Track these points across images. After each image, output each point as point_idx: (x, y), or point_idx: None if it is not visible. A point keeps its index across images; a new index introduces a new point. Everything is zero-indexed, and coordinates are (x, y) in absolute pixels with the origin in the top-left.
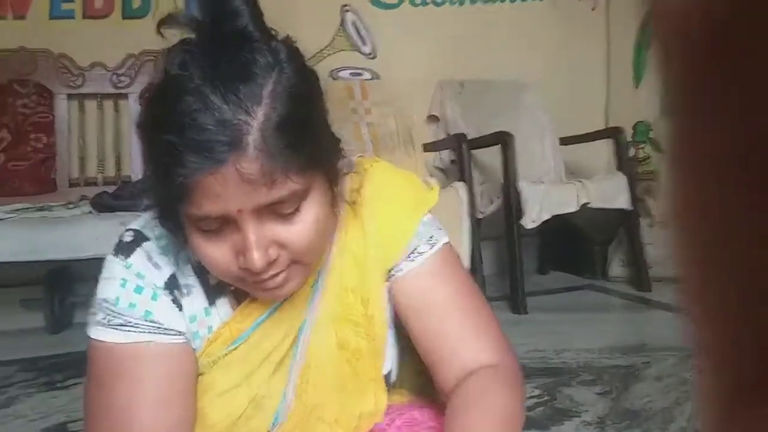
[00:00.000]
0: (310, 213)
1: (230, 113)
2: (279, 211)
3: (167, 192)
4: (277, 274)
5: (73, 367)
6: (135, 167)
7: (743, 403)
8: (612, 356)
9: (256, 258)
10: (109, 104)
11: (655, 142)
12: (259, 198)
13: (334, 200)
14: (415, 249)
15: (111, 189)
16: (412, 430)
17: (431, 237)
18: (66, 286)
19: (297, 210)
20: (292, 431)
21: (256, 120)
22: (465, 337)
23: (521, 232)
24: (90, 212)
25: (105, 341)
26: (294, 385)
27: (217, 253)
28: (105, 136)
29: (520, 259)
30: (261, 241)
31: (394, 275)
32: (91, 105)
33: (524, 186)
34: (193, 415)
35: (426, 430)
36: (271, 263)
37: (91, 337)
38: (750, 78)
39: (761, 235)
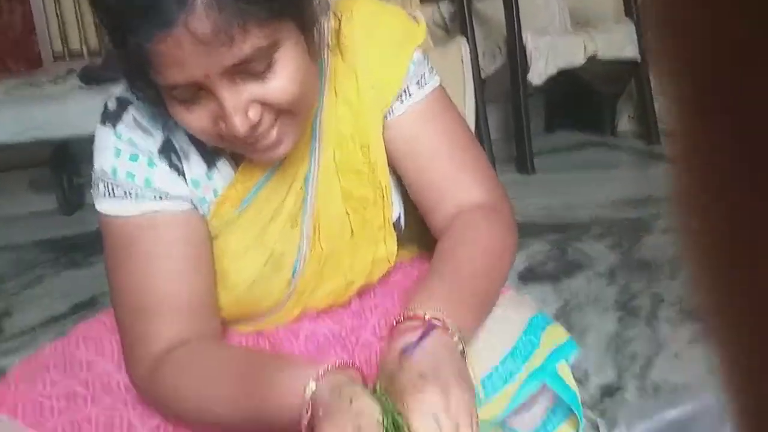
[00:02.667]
0: (286, 66)
1: None
2: (250, 70)
3: (129, 61)
4: (268, 133)
5: (92, 245)
6: None
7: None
8: (622, 209)
9: (237, 124)
10: None
11: None
12: (222, 59)
13: (311, 48)
14: (406, 89)
15: (97, 61)
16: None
17: (422, 77)
18: (72, 166)
19: (269, 66)
20: (310, 283)
21: None
22: (454, 178)
23: (527, 89)
24: (80, 86)
25: (112, 215)
26: (308, 238)
27: (198, 122)
28: (82, 5)
29: (527, 117)
30: (238, 106)
31: (387, 118)
32: None
33: (529, 38)
34: (212, 281)
35: None
36: (254, 125)
37: (99, 210)
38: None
39: None
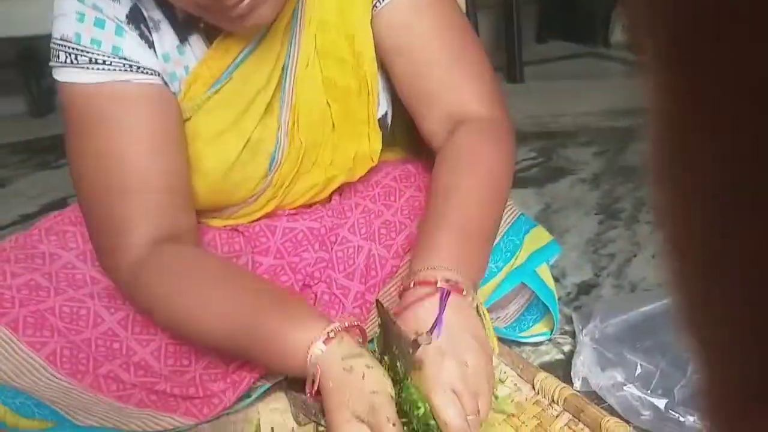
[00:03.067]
0: None
1: None
2: None
3: None
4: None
5: (62, 147)
6: None
7: (746, 416)
8: (610, 118)
9: None
10: None
11: None
12: None
13: None
14: None
15: None
16: (408, 181)
17: None
18: (41, 67)
19: None
20: (289, 175)
21: None
22: (452, 82)
23: None
24: None
25: (77, 82)
26: (286, 128)
27: None
28: None
29: (518, 25)
30: None
31: (376, 7)
32: None
33: None
34: (185, 163)
35: (420, 182)
36: None
37: (60, 80)
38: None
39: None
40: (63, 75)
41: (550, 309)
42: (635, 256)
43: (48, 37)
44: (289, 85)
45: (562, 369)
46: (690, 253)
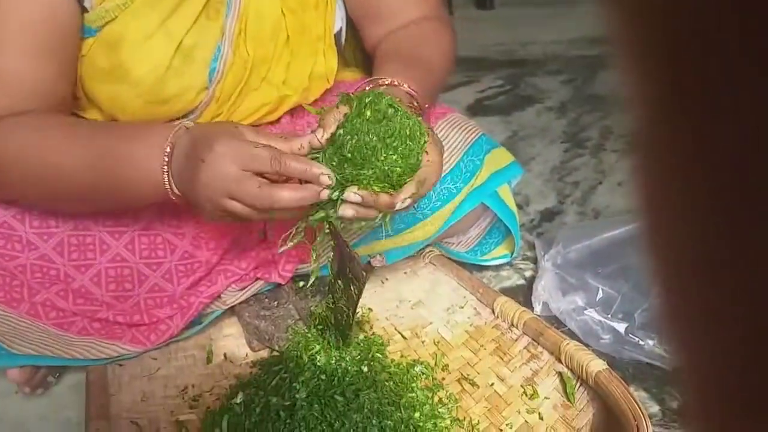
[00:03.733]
0: None
1: None
2: None
3: None
4: None
5: None
6: None
7: (736, 413)
8: (580, 47)
9: None
10: None
11: None
12: None
13: None
14: None
15: None
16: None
17: None
18: None
19: None
20: (235, 90)
21: None
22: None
23: None
24: None
25: None
26: (230, 38)
27: None
28: None
29: None
30: None
31: None
32: None
33: None
34: (68, 75)
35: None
36: None
37: None
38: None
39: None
40: None
41: (512, 231)
42: (600, 183)
43: None
44: None
45: (523, 294)
46: (674, 253)
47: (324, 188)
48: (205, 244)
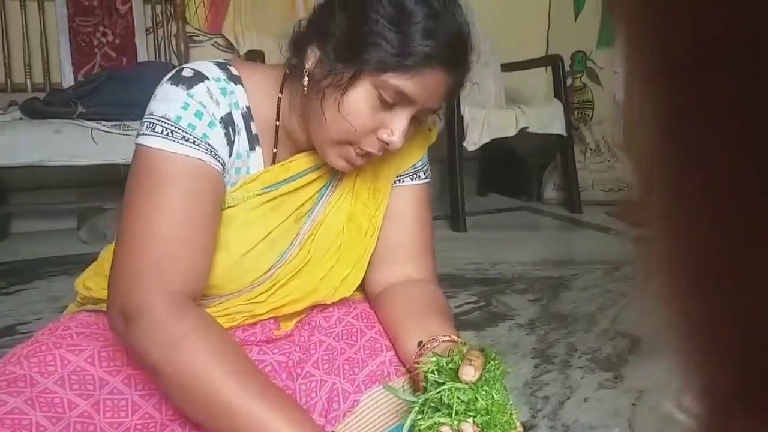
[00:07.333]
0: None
1: (466, 28)
2: (420, 117)
3: (391, 54)
4: (370, 157)
5: (16, 275)
6: (65, 73)
7: (737, 413)
8: (543, 268)
9: (398, 138)
10: (33, 5)
11: (591, 71)
12: (436, 105)
13: None
14: (417, 173)
15: (41, 96)
16: (368, 321)
17: (427, 170)
18: (1, 195)
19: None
20: (287, 276)
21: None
22: (415, 252)
23: (463, 155)
24: (21, 119)
25: (165, 150)
26: (302, 237)
27: (368, 119)
28: (30, 39)
29: (461, 179)
30: (405, 129)
31: (395, 183)
32: (13, 6)
33: (467, 110)
34: (213, 245)
35: (380, 327)
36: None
37: (149, 146)
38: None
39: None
40: (154, 142)
41: None
42: (568, 398)
43: (5, 170)
44: (321, 206)
45: None
46: (673, 263)
47: None
48: None
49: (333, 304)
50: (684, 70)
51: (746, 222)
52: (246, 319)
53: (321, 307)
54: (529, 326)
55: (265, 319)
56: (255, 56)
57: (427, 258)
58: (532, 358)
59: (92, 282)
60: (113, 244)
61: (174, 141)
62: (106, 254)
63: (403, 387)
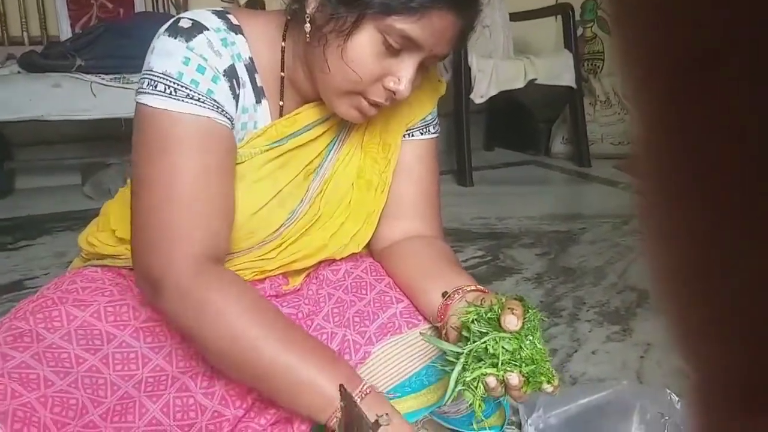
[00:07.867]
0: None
1: None
2: (428, 64)
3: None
4: (379, 107)
5: (21, 229)
6: (62, 25)
7: (736, 413)
8: (551, 223)
9: (405, 87)
10: None
11: (602, 21)
12: (445, 50)
13: None
14: (427, 126)
15: (38, 49)
16: (377, 274)
17: (437, 123)
18: (3, 151)
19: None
20: (296, 233)
21: None
22: (424, 211)
23: (469, 108)
24: (19, 72)
25: (170, 110)
26: (312, 194)
27: (373, 65)
28: None
29: (467, 133)
30: (413, 76)
31: (405, 137)
32: None
33: (474, 60)
34: (232, 196)
35: (389, 279)
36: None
37: (152, 106)
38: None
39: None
40: (157, 102)
41: (502, 404)
42: (576, 351)
43: (6, 124)
44: (329, 162)
45: None
46: (675, 260)
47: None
48: (233, 402)
49: (343, 258)
50: (684, 70)
51: (746, 222)
52: (255, 275)
53: (329, 261)
54: (536, 280)
55: (274, 275)
56: (255, 3)
57: (434, 214)
58: (539, 311)
59: (95, 238)
60: (115, 199)
61: (178, 100)
62: (109, 209)
63: (423, 336)
